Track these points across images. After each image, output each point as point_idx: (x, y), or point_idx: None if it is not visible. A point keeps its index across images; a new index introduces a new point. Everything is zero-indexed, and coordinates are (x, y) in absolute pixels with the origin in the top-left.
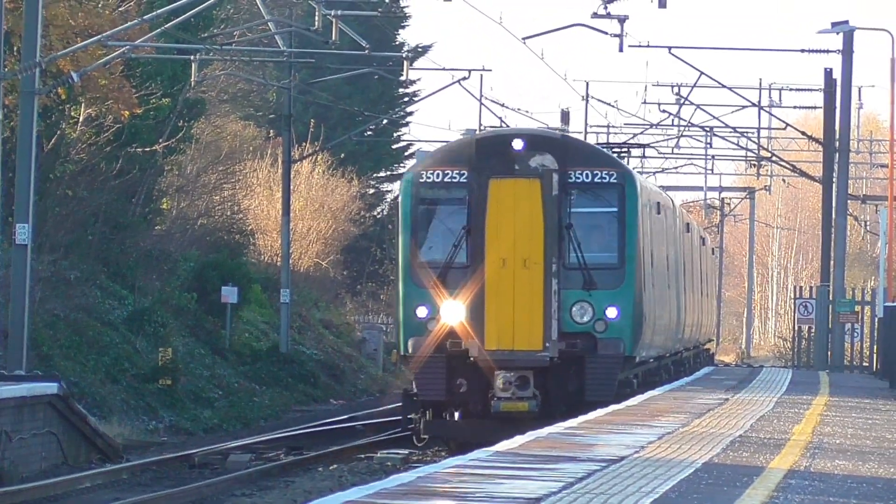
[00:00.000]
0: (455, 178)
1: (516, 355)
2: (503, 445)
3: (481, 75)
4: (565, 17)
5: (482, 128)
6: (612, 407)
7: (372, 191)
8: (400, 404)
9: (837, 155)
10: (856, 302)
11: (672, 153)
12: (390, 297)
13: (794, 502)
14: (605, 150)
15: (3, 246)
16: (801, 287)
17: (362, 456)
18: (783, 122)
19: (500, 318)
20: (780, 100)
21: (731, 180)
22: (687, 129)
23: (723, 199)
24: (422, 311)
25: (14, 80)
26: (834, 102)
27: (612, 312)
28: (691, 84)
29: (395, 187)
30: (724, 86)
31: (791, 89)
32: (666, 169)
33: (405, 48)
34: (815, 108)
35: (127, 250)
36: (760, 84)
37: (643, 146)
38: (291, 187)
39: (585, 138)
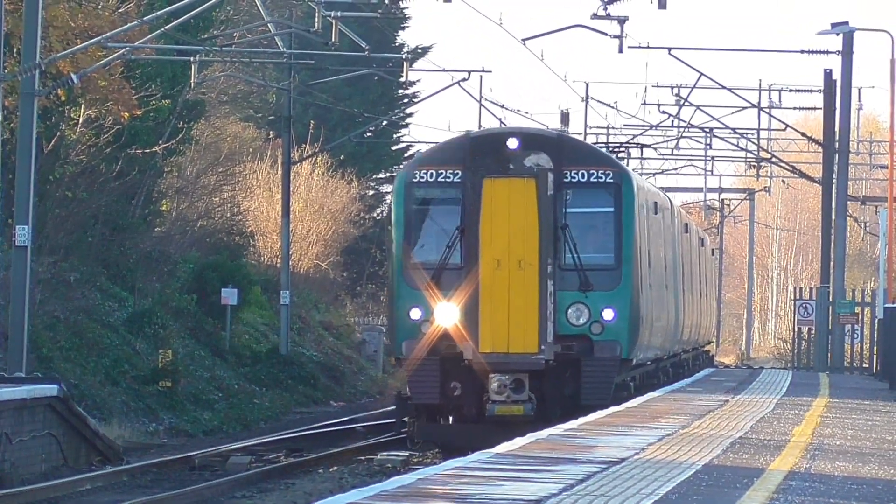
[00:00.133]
0: (449, 177)
1: (511, 358)
2: (503, 447)
3: (481, 76)
4: (565, 18)
5: (482, 129)
6: (612, 409)
7: (372, 192)
8: (393, 407)
9: (837, 156)
10: (856, 303)
11: (672, 154)
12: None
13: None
14: (601, 149)
15: (3, 248)
16: (800, 288)
17: (362, 458)
18: (783, 123)
19: (495, 320)
20: (779, 101)
21: (731, 181)
22: (687, 130)
23: (722, 200)
24: (415, 313)
25: (14, 81)
26: (834, 103)
27: (608, 314)
28: (691, 85)
29: None
30: (723, 87)
31: (791, 90)
32: (666, 170)
33: (405, 49)
34: (814, 109)
35: (127, 252)
36: (760, 85)
37: (642, 146)
38: (291, 189)
39: (585, 139)
